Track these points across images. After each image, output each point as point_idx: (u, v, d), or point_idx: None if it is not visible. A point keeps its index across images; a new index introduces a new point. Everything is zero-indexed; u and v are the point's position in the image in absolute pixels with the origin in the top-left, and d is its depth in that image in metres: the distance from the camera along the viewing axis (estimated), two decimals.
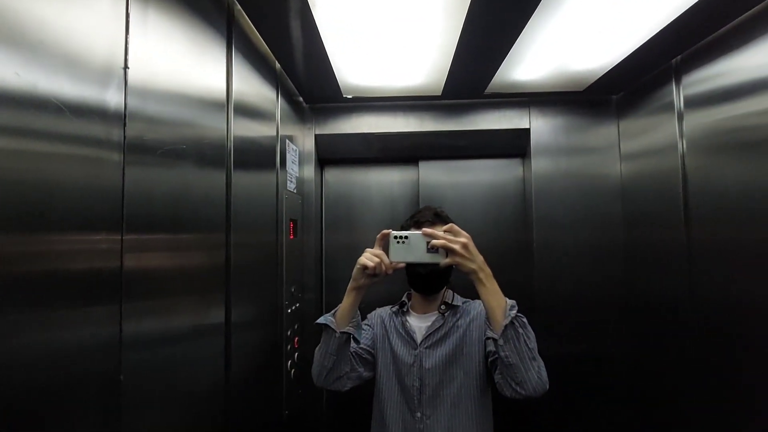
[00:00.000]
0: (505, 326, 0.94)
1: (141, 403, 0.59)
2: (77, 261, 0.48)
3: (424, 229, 1.04)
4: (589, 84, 1.56)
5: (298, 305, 1.49)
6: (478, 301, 1.22)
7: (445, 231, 1.02)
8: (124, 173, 0.54)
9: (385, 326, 1.25)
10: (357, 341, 1.15)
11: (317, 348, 1.13)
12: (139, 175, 0.58)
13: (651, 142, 1.48)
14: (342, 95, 1.61)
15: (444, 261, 1.01)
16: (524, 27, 1.13)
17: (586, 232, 1.65)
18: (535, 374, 0.95)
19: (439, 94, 1.61)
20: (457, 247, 0.98)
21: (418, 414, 1.12)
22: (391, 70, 1.41)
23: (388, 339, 1.22)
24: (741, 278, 1.10)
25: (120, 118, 0.54)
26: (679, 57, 1.33)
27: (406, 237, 1.04)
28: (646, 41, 1.24)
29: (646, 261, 1.52)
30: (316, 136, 1.71)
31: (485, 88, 1.57)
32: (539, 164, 1.68)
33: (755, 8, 1.05)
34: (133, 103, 0.56)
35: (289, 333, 1.37)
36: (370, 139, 1.73)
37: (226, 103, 0.91)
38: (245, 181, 1.02)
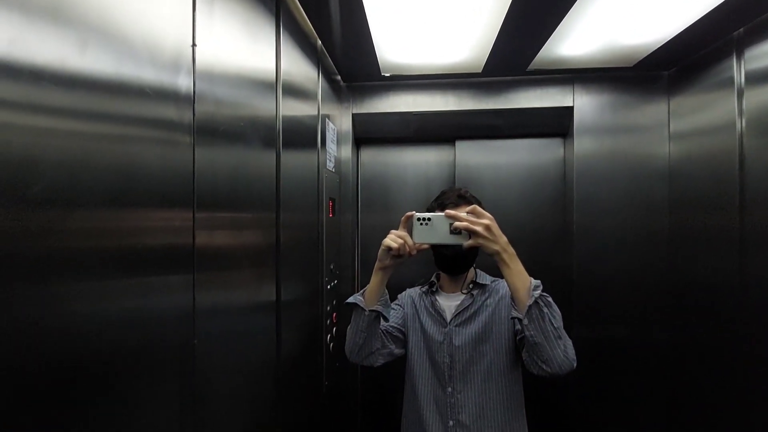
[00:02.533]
0: (529, 306, 0.95)
1: (210, 368, 0.63)
2: (156, 236, 0.51)
3: (447, 210, 1.05)
4: (639, 59, 1.49)
5: (336, 282, 1.53)
6: None
7: (467, 212, 1.02)
8: (194, 153, 0.57)
9: (416, 305, 1.27)
10: (386, 319, 1.18)
11: (349, 326, 1.18)
12: (206, 155, 0.60)
13: (705, 120, 1.41)
14: (380, 73, 1.59)
15: (467, 243, 1.01)
16: (576, 0, 1.08)
17: (630, 216, 1.60)
18: (561, 353, 0.95)
19: (480, 71, 1.57)
20: (479, 228, 0.98)
21: (449, 389, 1.15)
22: (433, 46, 1.39)
23: (419, 318, 1.24)
24: None
25: (190, 99, 0.56)
26: (741, 29, 1.24)
27: (429, 219, 1.05)
28: (707, 13, 1.17)
29: (692, 248, 1.46)
30: (353, 116, 1.71)
31: (528, 65, 1.52)
32: (582, 144, 1.63)
33: None
34: (201, 85, 0.58)
35: (328, 308, 1.41)
36: (407, 118, 1.71)
37: (275, 82, 0.92)
38: (291, 160, 1.03)
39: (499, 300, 1.20)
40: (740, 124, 1.25)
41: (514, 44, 1.35)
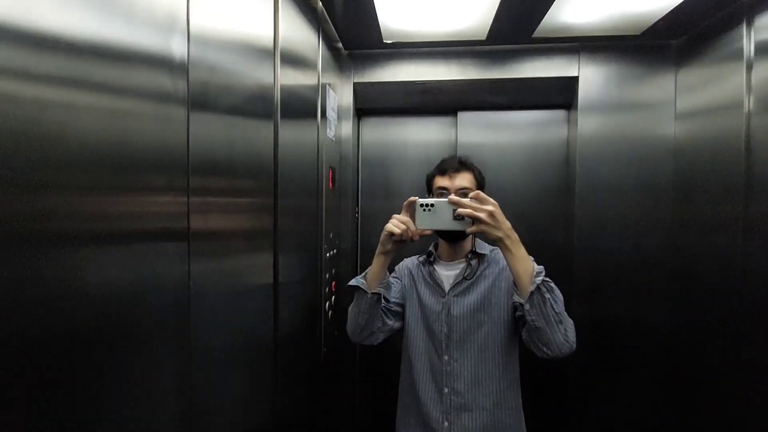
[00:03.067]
0: (531, 292, 0.97)
1: (206, 334, 0.65)
2: (150, 214, 0.51)
3: (450, 196, 1.06)
4: (647, 27, 1.44)
5: (335, 251, 1.55)
6: None
7: (471, 198, 1.03)
8: (188, 122, 0.56)
9: (413, 276, 1.29)
10: (387, 300, 1.21)
11: (350, 307, 1.21)
12: (202, 124, 0.60)
13: (712, 96, 1.37)
14: (382, 41, 1.55)
15: (470, 229, 1.02)
16: None
17: (633, 197, 1.57)
18: (561, 336, 0.98)
19: (484, 39, 1.53)
20: (483, 215, 0.99)
21: (446, 357, 1.17)
22: (436, 12, 1.35)
23: (416, 288, 1.26)
24: None
25: (184, 65, 0.55)
26: None
27: (432, 204, 1.06)
28: None
29: (696, 230, 1.44)
30: (355, 85, 1.68)
31: (533, 32, 1.48)
32: (586, 118, 1.60)
33: None
34: (196, 50, 0.57)
35: (327, 276, 1.43)
36: (409, 87, 1.68)
37: (273, 47, 0.90)
38: (290, 128, 1.03)
39: (499, 272, 1.20)
40: (748, 102, 1.21)
41: (517, 8, 1.31)
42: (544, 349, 0.99)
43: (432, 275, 1.25)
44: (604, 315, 1.61)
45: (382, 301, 1.18)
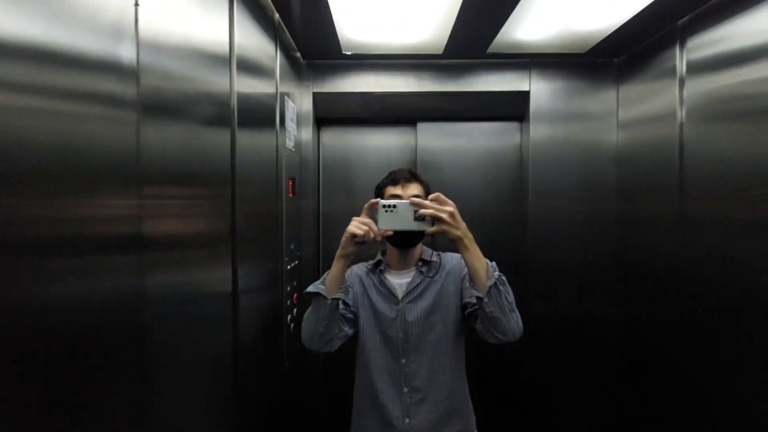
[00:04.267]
0: (490, 286, 1.04)
1: (164, 353, 0.62)
2: (99, 220, 0.49)
3: (412, 198, 1.09)
4: (591, 46, 1.55)
5: (297, 262, 1.53)
6: (449, 254, 1.30)
7: (431, 200, 1.08)
8: (138, 128, 0.54)
9: (364, 284, 1.30)
10: (347, 304, 1.22)
11: (306, 314, 1.19)
12: (154, 130, 0.58)
13: (650, 108, 1.49)
14: (341, 52, 1.57)
15: (431, 229, 1.07)
16: None
17: (581, 200, 1.68)
18: (515, 323, 1.07)
19: (441, 52, 1.58)
20: (444, 215, 1.05)
21: (403, 360, 1.21)
22: (394, 25, 1.38)
23: (368, 296, 1.27)
24: (730, 249, 1.14)
25: (134, 71, 0.53)
26: (686, 18, 1.31)
27: (394, 206, 1.09)
28: (653, 1, 1.22)
29: (639, 229, 1.56)
30: (314, 95, 1.68)
31: (488, 47, 1.54)
32: (537, 129, 1.69)
33: None
34: (146, 56, 0.55)
35: (288, 289, 1.41)
36: (368, 98, 1.70)
37: (229, 55, 0.89)
38: (248, 138, 1.01)
39: (446, 275, 1.26)
40: (681, 114, 1.33)
41: (473, 26, 1.36)
42: (500, 336, 1.07)
43: (383, 283, 1.27)
44: (557, 308, 1.71)
45: (341, 306, 1.18)
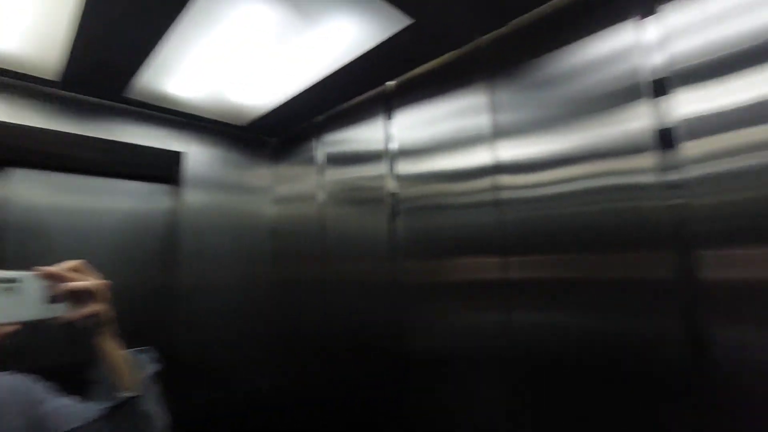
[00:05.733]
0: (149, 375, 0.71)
1: None
2: None
3: (41, 268, 0.64)
4: (249, 120, 1.56)
5: None
6: None
7: (70, 269, 0.66)
8: None
9: None
10: None
11: None
12: None
13: (299, 188, 1.61)
14: None
15: (74, 314, 0.64)
16: (169, 26, 0.99)
17: (237, 262, 1.62)
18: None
19: (58, 79, 1.20)
20: (102, 288, 0.66)
21: None
22: None
23: None
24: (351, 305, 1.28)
25: None
26: (321, 116, 1.51)
27: (12, 280, 0.60)
28: (297, 95, 1.34)
29: (288, 289, 1.63)
30: None
31: (124, 89, 1.28)
32: (192, 195, 1.53)
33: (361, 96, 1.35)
34: None
35: None
36: None
37: None
38: None
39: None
40: (321, 195, 1.49)
41: (99, 55, 1.09)
42: None
43: None
44: (211, 383, 1.51)
45: None
